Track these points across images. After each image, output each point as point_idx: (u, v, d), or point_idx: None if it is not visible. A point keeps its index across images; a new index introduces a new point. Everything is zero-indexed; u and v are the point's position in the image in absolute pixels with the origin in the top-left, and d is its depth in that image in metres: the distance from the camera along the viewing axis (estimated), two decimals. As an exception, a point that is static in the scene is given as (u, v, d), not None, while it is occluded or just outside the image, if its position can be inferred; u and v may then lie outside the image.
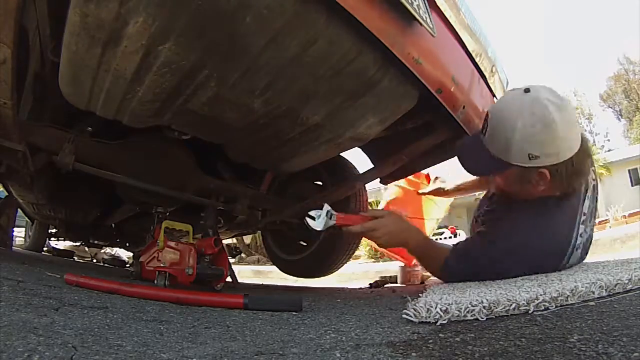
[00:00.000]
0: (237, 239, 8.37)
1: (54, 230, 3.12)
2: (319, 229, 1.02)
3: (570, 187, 0.97)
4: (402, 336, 0.58)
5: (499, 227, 1.03)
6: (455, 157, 1.12)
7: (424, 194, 1.99)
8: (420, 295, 0.81)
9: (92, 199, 2.04)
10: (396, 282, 2.32)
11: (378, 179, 1.64)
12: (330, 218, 1.03)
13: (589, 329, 0.50)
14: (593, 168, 1.12)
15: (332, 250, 1.88)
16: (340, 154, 1.53)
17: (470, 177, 1.64)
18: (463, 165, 1.08)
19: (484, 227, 1.10)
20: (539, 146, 0.90)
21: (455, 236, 8.19)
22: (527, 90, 0.93)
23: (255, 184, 1.69)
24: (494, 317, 0.62)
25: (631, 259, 1.04)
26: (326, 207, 1.03)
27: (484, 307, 0.63)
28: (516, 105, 0.93)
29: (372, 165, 1.64)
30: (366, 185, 1.81)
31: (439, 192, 1.90)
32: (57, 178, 1.63)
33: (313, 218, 1.03)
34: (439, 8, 1.02)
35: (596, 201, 1.12)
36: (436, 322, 0.62)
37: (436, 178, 1.96)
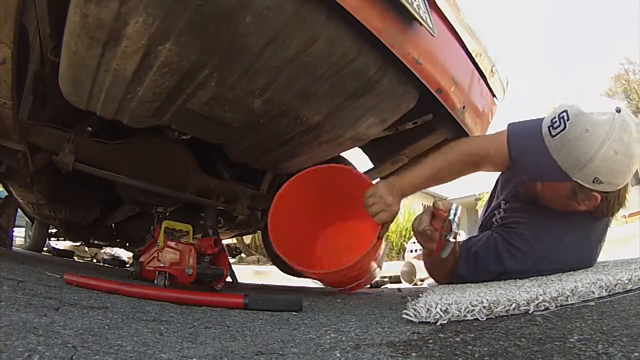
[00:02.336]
0: (237, 239, 8.37)
1: (54, 230, 3.12)
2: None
3: (609, 213, 0.94)
4: (402, 336, 0.57)
5: (529, 241, 0.96)
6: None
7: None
8: (420, 295, 0.81)
9: (92, 199, 2.04)
10: (396, 282, 2.33)
11: (378, 179, 1.64)
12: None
13: (589, 329, 0.50)
14: None
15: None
16: (340, 154, 1.53)
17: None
18: (521, 166, 0.97)
19: (505, 233, 1.01)
20: (610, 174, 0.84)
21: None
22: (618, 110, 0.83)
23: (255, 184, 1.69)
24: (494, 317, 0.62)
25: (631, 259, 1.04)
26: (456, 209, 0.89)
27: (484, 307, 0.63)
28: (607, 123, 0.82)
29: (372, 165, 1.64)
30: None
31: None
32: (57, 178, 1.63)
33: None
34: (439, 8, 1.02)
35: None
36: (436, 322, 0.62)
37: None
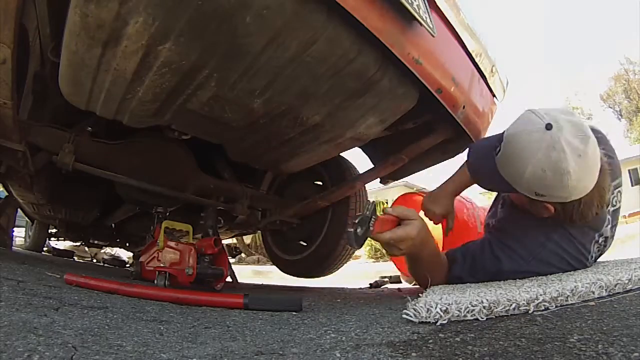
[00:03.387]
0: (237, 239, 8.37)
1: (54, 230, 3.12)
2: (356, 247, 0.80)
3: (574, 222, 0.92)
4: (402, 336, 0.57)
5: (521, 240, 0.97)
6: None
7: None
8: (420, 295, 0.81)
9: (92, 199, 2.04)
10: (396, 282, 2.33)
11: (378, 179, 1.64)
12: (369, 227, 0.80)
13: (589, 329, 0.50)
14: (615, 195, 1.08)
15: (332, 250, 1.88)
16: (340, 154, 1.53)
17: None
18: (476, 180, 1.06)
19: (498, 235, 1.03)
20: (546, 189, 0.86)
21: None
22: (548, 127, 0.83)
23: (255, 184, 1.69)
24: (494, 317, 0.62)
25: (631, 259, 1.04)
26: (371, 204, 0.81)
27: (484, 307, 0.63)
28: (534, 143, 0.84)
29: (372, 165, 1.64)
30: (366, 185, 1.81)
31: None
32: (57, 178, 1.63)
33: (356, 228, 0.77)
34: (439, 8, 1.02)
35: (614, 226, 1.09)
36: (436, 322, 0.62)
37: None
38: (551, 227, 0.96)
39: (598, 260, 1.10)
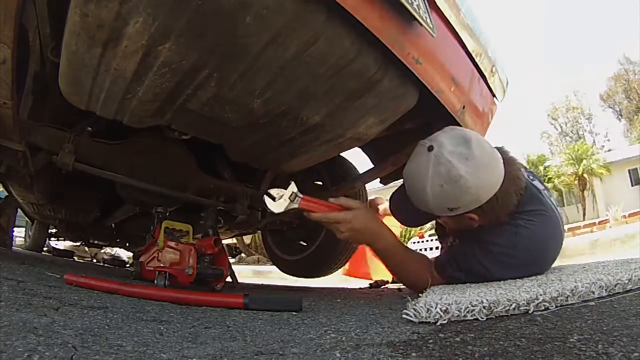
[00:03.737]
0: (237, 239, 8.38)
1: (54, 230, 3.12)
2: (276, 211, 0.96)
3: (503, 216, 0.96)
4: (402, 336, 0.58)
5: (497, 243, 0.97)
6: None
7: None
8: (420, 295, 0.81)
9: (92, 199, 2.04)
10: (396, 282, 2.33)
11: (378, 179, 1.64)
12: (294, 200, 0.95)
13: (589, 329, 0.50)
14: (531, 176, 1.08)
15: (332, 250, 1.88)
16: (340, 154, 1.53)
17: None
18: (400, 221, 1.11)
19: (476, 242, 1.02)
20: (454, 201, 0.92)
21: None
22: (430, 148, 0.92)
23: (255, 184, 1.69)
24: (494, 317, 0.62)
25: (631, 259, 1.04)
26: (292, 187, 0.96)
27: (484, 307, 0.63)
28: (422, 166, 0.93)
29: (372, 165, 1.64)
30: (366, 185, 1.81)
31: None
32: (57, 178, 1.63)
33: (273, 198, 0.95)
34: (439, 8, 1.02)
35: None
36: (436, 322, 0.62)
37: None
38: (514, 219, 0.98)
39: (598, 260, 1.10)
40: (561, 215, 1.06)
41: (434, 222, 1.36)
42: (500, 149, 0.98)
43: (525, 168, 1.11)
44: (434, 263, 1.06)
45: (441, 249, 1.26)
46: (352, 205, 1.01)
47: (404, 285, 1.21)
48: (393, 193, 1.13)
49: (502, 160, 0.94)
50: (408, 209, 1.02)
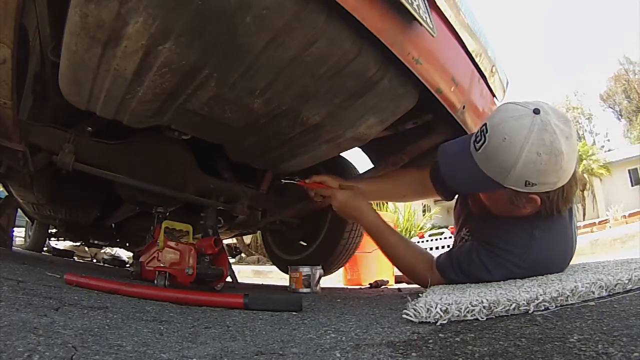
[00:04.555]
0: (237, 239, 8.37)
1: (54, 230, 3.12)
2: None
3: (556, 212, 0.93)
4: (402, 336, 0.57)
5: (504, 247, 0.95)
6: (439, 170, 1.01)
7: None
8: (420, 295, 0.81)
9: (92, 199, 2.04)
10: (396, 282, 2.33)
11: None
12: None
13: (589, 329, 0.50)
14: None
15: (332, 250, 1.88)
16: (340, 154, 1.53)
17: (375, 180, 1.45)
18: (451, 183, 0.99)
19: (482, 243, 1.01)
20: (539, 175, 0.85)
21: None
22: (536, 112, 0.83)
23: (255, 184, 1.69)
24: (494, 317, 0.62)
25: (631, 259, 1.04)
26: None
27: (484, 307, 0.63)
28: (525, 126, 0.83)
29: (372, 165, 1.64)
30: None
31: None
32: (57, 178, 1.63)
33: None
34: (439, 8, 1.02)
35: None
36: (436, 322, 0.62)
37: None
38: (533, 219, 0.95)
39: (598, 260, 1.10)
40: (576, 230, 1.03)
41: (434, 223, 1.37)
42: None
43: None
44: (436, 261, 1.06)
45: (454, 241, 1.25)
46: (331, 184, 1.28)
47: (401, 272, 1.23)
48: (445, 148, 1.02)
49: None
50: (466, 171, 0.93)
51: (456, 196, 1.28)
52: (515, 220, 0.96)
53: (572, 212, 1.01)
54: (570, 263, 1.02)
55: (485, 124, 0.90)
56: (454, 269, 1.01)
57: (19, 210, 2.49)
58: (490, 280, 0.94)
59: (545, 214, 0.93)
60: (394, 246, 1.16)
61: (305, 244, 2.02)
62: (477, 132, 0.93)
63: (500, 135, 0.86)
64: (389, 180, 1.40)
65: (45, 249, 3.44)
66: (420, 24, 0.91)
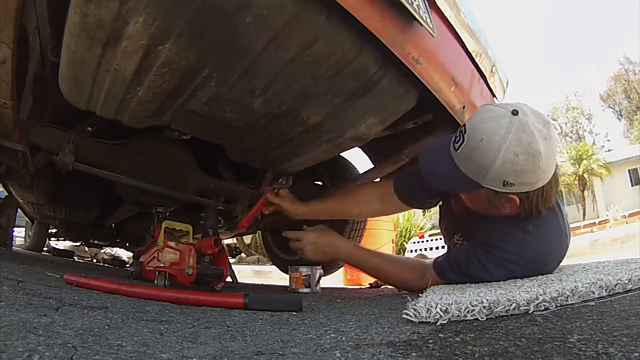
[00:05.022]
0: (237, 239, 8.38)
1: (54, 230, 3.12)
2: None
3: (535, 212, 0.93)
4: (402, 336, 0.57)
5: (500, 246, 0.96)
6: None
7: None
8: (420, 295, 0.81)
9: (92, 199, 2.04)
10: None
11: (378, 179, 1.64)
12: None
13: (589, 329, 0.50)
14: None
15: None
16: (340, 154, 1.53)
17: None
18: (430, 181, 0.99)
19: (477, 244, 1.01)
20: (517, 175, 0.85)
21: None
22: (515, 113, 0.85)
23: (255, 184, 1.69)
24: (494, 317, 0.62)
25: (631, 259, 1.04)
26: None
27: (484, 307, 0.63)
28: (503, 127, 0.84)
29: (372, 165, 1.64)
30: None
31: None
32: (57, 178, 1.63)
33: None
34: (439, 8, 1.02)
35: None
36: (436, 322, 0.62)
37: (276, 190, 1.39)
38: (522, 220, 0.96)
39: (598, 260, 1.10)
40: (568, 224, 1.05)
41: (434, 223, 1.38)
42: None
43: None
44: (433, 264, 1.06)
45: (447, 248, 1.25)
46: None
47: (397, 287, 1.23)
48: (425, 149, 1.04)
49: None
50: (446, 171, 0.93)
51: (434, 207, 1.29)
52: (507, 218, 0.97)
53: (560, 206, 1.03)
54: (570, 263, 1.03)
55: (465, 125, 0.91)
56: (452, 269, 1.01)
57: (19, 210, 2.49)
58: (490, 280, 0.94)
59: (524, 215, 0.94)
60: (379, 267, 1.17)
61: (305, 244, 2.01)
62: (457, 132, 0.94)
63: (478, 135, 0.87)
64: (342, 197, 1.35)
65: (45, 249, 3.44)
66: (420, 24, 0.91)
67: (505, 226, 0.97)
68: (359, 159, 1.83)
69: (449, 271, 1.02)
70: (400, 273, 1.13)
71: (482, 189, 0.90)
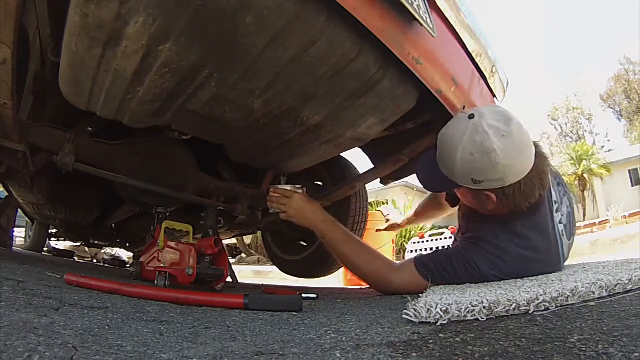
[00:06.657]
0: (237, 239, 8.37)
1: (54, 230, 3.12)
2: None
3: (517, 207, 0.97)
4: (402, 336, 0.57)
5: (490, 240, 1.00)
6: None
7: (380, 230, 2.10)
8: (420, 295, 0.81)
9: (92, 199, 2.04)
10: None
11: (378, 179, 1.64)
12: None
13: (589, 329, 0.50)
14: (557, 179, 1.13)
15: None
16: (340, 154, 1.53)
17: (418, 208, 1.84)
18: (420, 181, 1.09)
19: (468, 241, 1.06)
20: (480, 172, 0.92)
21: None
22: (471, 116, 0.93)
23: (255, 184, 1.69)
24: (494, 317, 0.62)
25: (631, 259, 1.04)
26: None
27: (484, 307, 0.63)
28: (459, 131, 0.94)
29: (372, 165, 1.64)
30: (366, 185, 1.81)
31: (393, 227, 2.01)
32: (57, 178, 1.63)
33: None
34: (439, 8, 1.02)
35: (571, 209, 1.15)
36: (436, 322, 0.62)
37: (387, 219, 2.06)
38: (512, 219, 0.99)
39: (598, 260, 1.10)
40: (568, 233, 1.08)
41: (434, 223, 1.39)
42: (535, 143, 0.99)
43: (555, 176, 1.13)
44: (414, 260, 1.07)
45: (453, 240, 1.28)
46: (289, 194, 1.25)
47: (360, 278, 1.22)
48: (420, 159, 1.13)
49: (534, 152, 0.95)
50: (432, 173, 1.03)
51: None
52: (499, 217, 1.01)
53: (552, 209, 1.05)
54: (570, 263, 1.03)
55: (438, 133, 1.02)
56: (433, 259, 1.04)
57: (19, 210, 2.50)
58: (474, 273, 0.97)
59: (513, 211, 0.98)
60: (351, 250, 1.15)
61: (305, 244, 2.02)
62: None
63: (442, 139, 0.99)
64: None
65: (45, 249, 3.44)
66: (420, 24, 0.91)
67: (495, 223, 1.02)
68: (359, 159, 1.83)
69: (429, 260, 1.03)
70: (369, 261, 1.14)
71: (460, 186, 0.99)
